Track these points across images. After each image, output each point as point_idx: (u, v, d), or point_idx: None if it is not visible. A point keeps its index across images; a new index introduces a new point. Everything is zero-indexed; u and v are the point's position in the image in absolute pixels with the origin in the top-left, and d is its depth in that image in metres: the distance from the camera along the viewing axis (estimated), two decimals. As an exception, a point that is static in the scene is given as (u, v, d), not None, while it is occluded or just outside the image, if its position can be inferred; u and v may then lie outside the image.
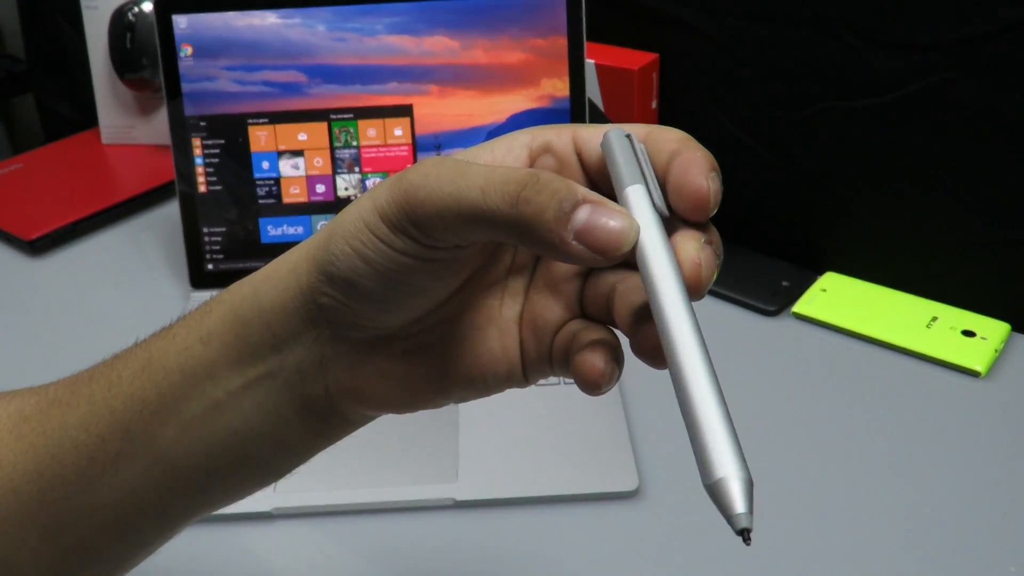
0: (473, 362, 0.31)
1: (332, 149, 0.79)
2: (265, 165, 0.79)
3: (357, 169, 0.79)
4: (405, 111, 0.78)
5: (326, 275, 0.29)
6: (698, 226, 0.28)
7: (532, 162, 0.31)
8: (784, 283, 0.77)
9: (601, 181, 0.30)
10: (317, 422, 0.32)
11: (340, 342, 0.30)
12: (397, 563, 0.54)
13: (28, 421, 0.33)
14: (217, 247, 0.80)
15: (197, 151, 0.79)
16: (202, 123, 0.78)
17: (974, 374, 0.67)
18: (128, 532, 0.33)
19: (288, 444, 0.32)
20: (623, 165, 0.28)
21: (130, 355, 0.33)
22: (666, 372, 0.26)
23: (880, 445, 0.61)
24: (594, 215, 0.26)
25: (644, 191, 0.28)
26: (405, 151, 0.79)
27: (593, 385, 0.29)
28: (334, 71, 0.78)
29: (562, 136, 0.31)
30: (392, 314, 0.30)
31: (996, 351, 0.68)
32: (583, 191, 0.27)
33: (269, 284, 0.31)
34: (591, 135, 0.30)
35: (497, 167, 0.27)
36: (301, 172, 0.79)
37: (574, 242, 0.26)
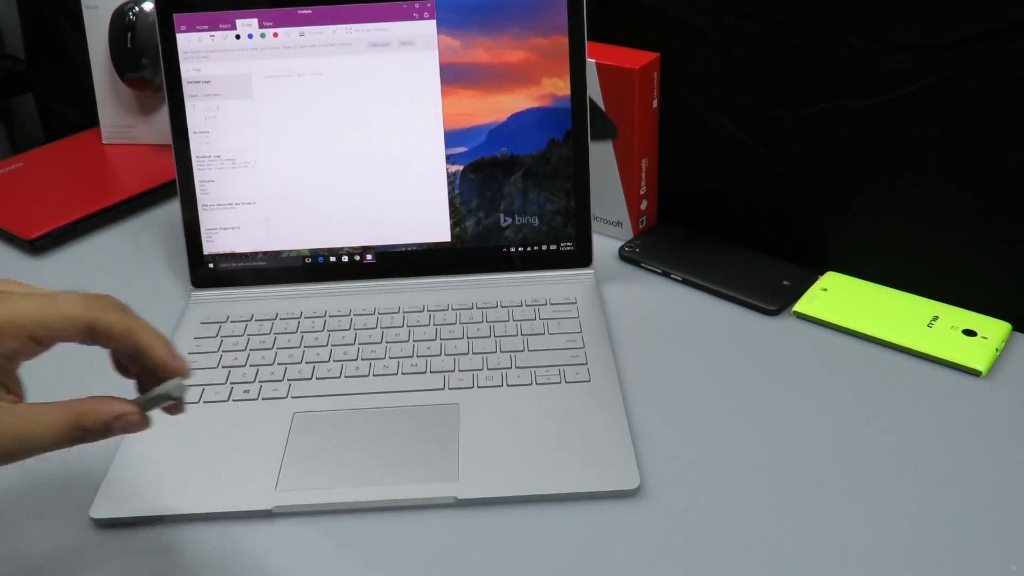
0: None
1: (332, 148, 0.79)
2: (265, 164, 0.79)
3: (357, 168, 0.79)
4: (406, 110, 0.78)
5: None
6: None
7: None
8: (785, 282, 0.77)
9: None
10: None
11: None
12: (397, 562, 0.54)
13: None
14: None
15: (197, 150, 0.78)
16: (202, 122, 0.78)
17: (975, 373, 0.67)
18: None
19: None
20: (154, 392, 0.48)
21: None
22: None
23: (880, 445, 0.61)
24: (122, 424, 0.46)
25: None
26: (405, 150, 0.79)
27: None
28: (335, 70, 0.77)
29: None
30: None
31: (997, 350, 0.68)
32: (113, 412, 0.45)
33: None
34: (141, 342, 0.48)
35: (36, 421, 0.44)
36: (301, 171, 0.79)
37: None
